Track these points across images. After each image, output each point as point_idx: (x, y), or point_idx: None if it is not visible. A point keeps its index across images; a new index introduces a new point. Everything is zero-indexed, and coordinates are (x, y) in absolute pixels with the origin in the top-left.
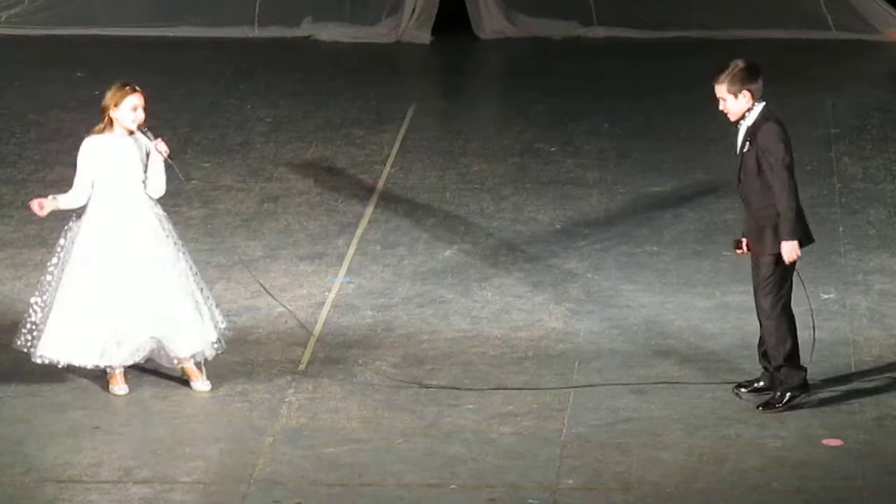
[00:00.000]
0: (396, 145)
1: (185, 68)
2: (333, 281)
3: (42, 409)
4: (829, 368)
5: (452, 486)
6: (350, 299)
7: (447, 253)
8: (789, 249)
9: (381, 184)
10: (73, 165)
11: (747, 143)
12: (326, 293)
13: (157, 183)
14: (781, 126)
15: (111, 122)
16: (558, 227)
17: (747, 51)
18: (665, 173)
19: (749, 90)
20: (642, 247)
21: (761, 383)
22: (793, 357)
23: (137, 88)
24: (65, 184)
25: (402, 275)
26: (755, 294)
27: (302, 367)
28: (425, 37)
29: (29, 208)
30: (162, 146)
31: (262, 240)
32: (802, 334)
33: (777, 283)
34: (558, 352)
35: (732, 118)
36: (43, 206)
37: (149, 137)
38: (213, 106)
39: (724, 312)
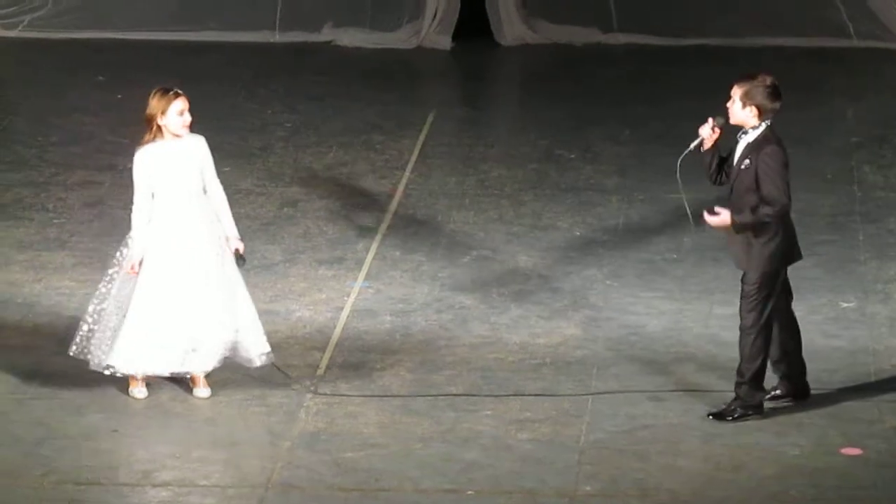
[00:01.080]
0: (416, 151)
1: (206, 72)
2: (353, 286)
3: (61, 411)
4: (848, 377)
5: (470, 492)
6: (369, 304)
7: (466, 259)
8: (720, 222)
9: (400, 189)
10: (94, 169)
11: (747, 160)
12: (345, 298)
13: (217, 186)
14: (782, 149)
15: (159, 129)
16: (577, 233)
17: (768, 59)
18: (684, 180)
19: (759, 108)
20: (661, 254)
21: (778, 391)
22: (758, 378)
23: (180, 92)
24: (85, 187)
25: (420, 280)
26: (740, 307)
27: (320, 371)
28: (446, 42)
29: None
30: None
31: (281, 244)
32: (822, 342)
33: (762, 300)
34: (576, 358)
35: (731, 120)
36: (135, 267)
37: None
38: (233, 110)
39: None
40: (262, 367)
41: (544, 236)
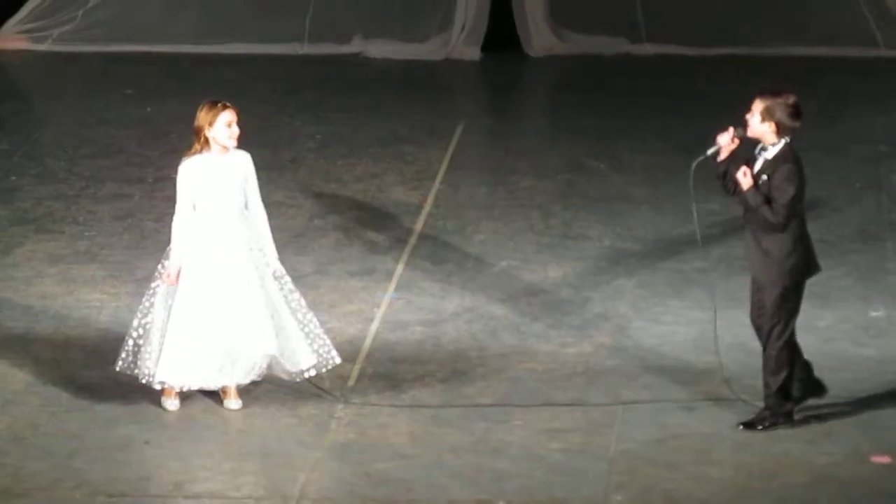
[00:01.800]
0: (446, 162)
1: (236, 85)
2: (383, 297)
3: (93, 423)
4: (877, 385)
5: (501, 502)
6: (399, 315)
7: (496, 269)
8: (742, 178)
9: (430, 200)
10: (124, 181)
11: (763, 175)
12: (376, 309)
13: (258, 204)
14: (798, 167)
15: (207, 141)
16: (607, 243)
17: (796, 68)
18: (713, 189)
19: (778, 124)
20: (690, 263)
21: (808, 401)
22: (785, 388)
23: (229, 104)
24: (115, 200)
25: (450, 291)
26: (757, 319)
27: (351, 382)
28: (475, 54)
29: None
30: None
31: (311, 255)
32: (852, 350)
33: (787, 314)
34: (606, 368)
35: (748, 133)
36: (172, 277)
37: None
38: (263, 122)
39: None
40: (301, 381)
41: (574, 246)
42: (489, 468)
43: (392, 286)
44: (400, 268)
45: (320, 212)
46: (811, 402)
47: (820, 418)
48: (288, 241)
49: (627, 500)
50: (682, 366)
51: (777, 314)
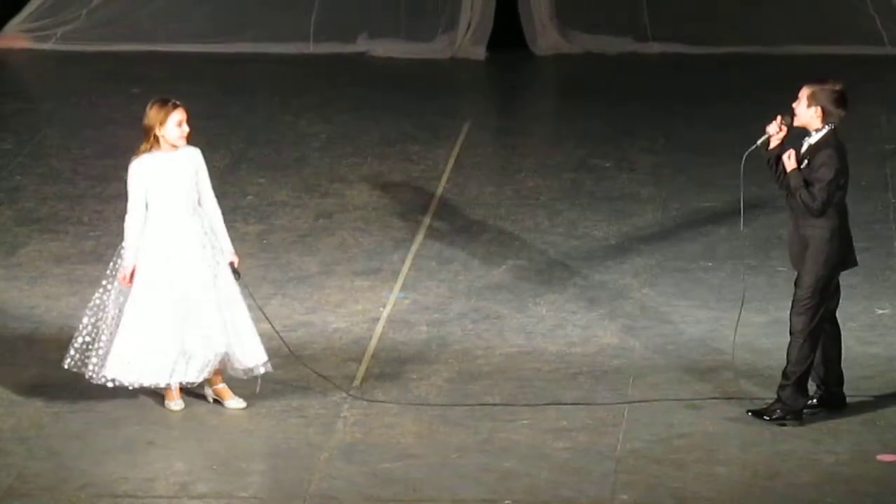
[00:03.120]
0: (451, 161)
1: (241, 84)
2: (389, 297)
3: (98, 424)
4: (883, 383)
5: (507, 502)
6: (405, 315)
7: (502, 268)
8: (787, 160)
9: (436, 199)
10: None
11: (806, 160)
12: (381, 309)
13: (211, 199)
14: (840, 153)
15: (157, 140)
16: (613, 242)
17: (802, 66)
18: (719, 189)
19: (823, 110)
20: (697, 262)
21: (814, 400)
22: (802, 382)
23: (179, 103)
24: (120, 200)
25: (457, 290)
26: (791, 309)
27: (357, 382)
28: (480, 53)
29: (122, 282)
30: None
31: (317, 255)
32: (858, 349)
33: (814, 305)
34: (613, 367)
35: (795, 121)
36: (127, 278)
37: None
38: (268, 121)
39: (778, 328)
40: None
41: (580, 245)
42: (495, 468)
43: (398, 286)
44: (406, 267)
45: (326, 211)
46: (814, 400)
47: (826, 417)
48: (293, 240)
49: (634, 498)
50: (688, 365)
51: (805, 303)
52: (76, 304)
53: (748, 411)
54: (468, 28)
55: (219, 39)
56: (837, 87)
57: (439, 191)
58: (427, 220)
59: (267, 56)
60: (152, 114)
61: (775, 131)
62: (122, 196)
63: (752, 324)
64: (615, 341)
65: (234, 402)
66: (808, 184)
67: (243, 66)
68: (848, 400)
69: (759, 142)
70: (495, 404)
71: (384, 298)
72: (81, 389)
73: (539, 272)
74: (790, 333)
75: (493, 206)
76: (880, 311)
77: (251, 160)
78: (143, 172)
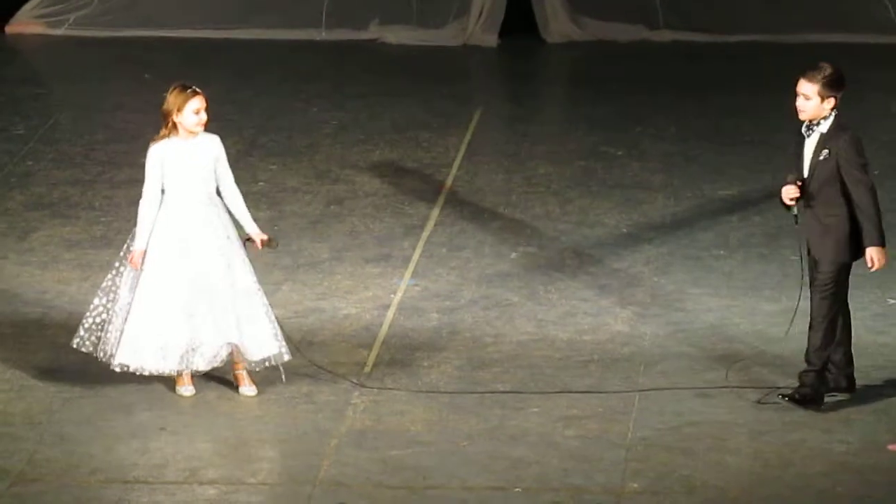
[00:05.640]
0: (463, 148)
1: (252, 70)
2: (399, 283)
3: (109, 410)
4: (895, 373)
5: (517, 489)
6: (416, 302)
7: (513, 256)
8: (880, 255)
9: (447, 186)
10: (140, 167)
11: (825, 150)
12: (392, 295)
13: (232, 186)
14: (854, 132)
15: (175, 126)
16: (624, 230)
17: (813, 55)
18: (731, 177)
19: (836, 97)
20: (708, 250)
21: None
22: (823, 369)
23: (199, 91)
24: (131, 185)
25: (467, 277)
26: (811, 296)
27: (367, 369)
28: (492, 40)
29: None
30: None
31: (328, 242)
32: (869, 338)
33: (835, 292)
34: (623, 355)
35: (805, 117)
36: (135, 261)
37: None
38: (279, 108)
39: (789, 316)
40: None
41: (591, 233)
42: (505, 455)
43: (408, 273)
44: (416, 254)
45: (336, 198)
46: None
47: (837, 406)
48: (304, 227)
49: (644, 486)
50: (699, 353)
51: (826, 289)
52: (87, 289)
53: (779, 395)
54: (480, 15)
55: (231, 25)
56: (831, 71)
57: (450, 178)
58: (438, 207)
59: (278, 42)
60: (171, 99)
61: (795, 194)
62: (134, 181)
63: (764, 312)
64: (626, 329)
65: (246, 390)
66: (840, 174)
67: (255, 53)
68: (859, 389)
69: (794, 213)
70: (505, 392)
71: (395, 285)
72: (93, 374)
73: (550, 260)
74: (811, 319)
75: (504, 194)
76: (891, 301)
77: (262, 146)
78: (162, 157)
